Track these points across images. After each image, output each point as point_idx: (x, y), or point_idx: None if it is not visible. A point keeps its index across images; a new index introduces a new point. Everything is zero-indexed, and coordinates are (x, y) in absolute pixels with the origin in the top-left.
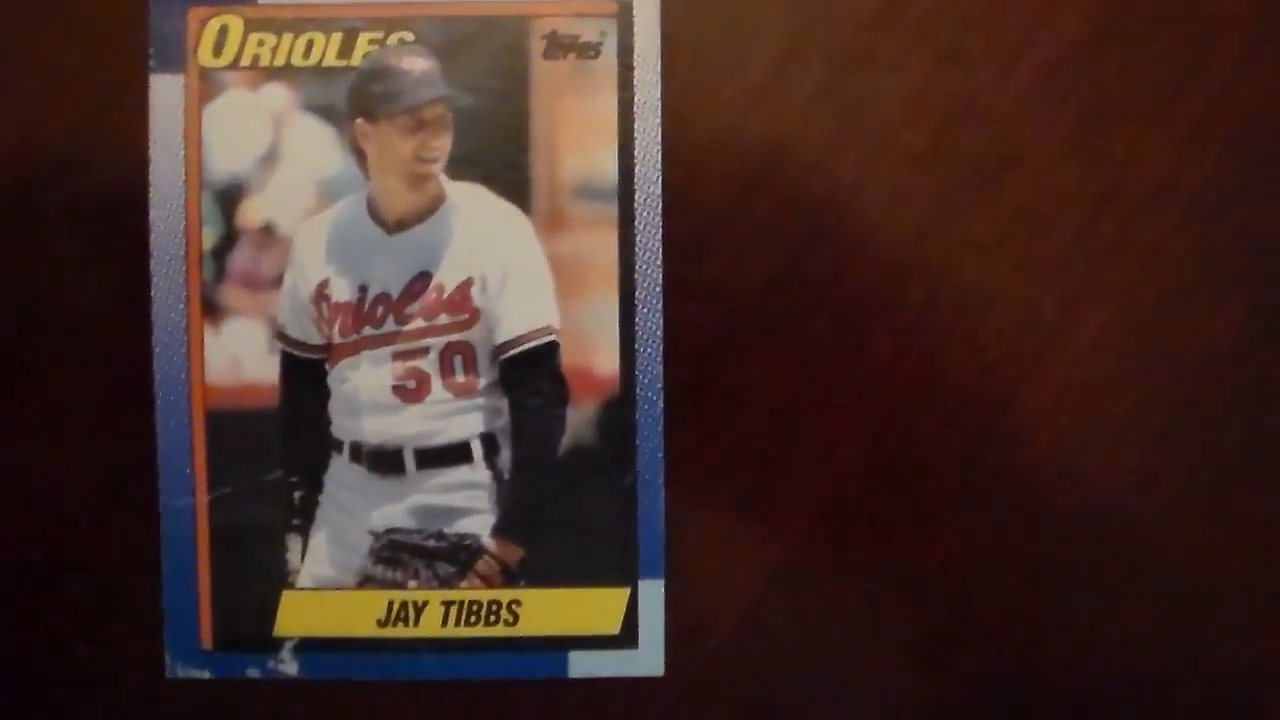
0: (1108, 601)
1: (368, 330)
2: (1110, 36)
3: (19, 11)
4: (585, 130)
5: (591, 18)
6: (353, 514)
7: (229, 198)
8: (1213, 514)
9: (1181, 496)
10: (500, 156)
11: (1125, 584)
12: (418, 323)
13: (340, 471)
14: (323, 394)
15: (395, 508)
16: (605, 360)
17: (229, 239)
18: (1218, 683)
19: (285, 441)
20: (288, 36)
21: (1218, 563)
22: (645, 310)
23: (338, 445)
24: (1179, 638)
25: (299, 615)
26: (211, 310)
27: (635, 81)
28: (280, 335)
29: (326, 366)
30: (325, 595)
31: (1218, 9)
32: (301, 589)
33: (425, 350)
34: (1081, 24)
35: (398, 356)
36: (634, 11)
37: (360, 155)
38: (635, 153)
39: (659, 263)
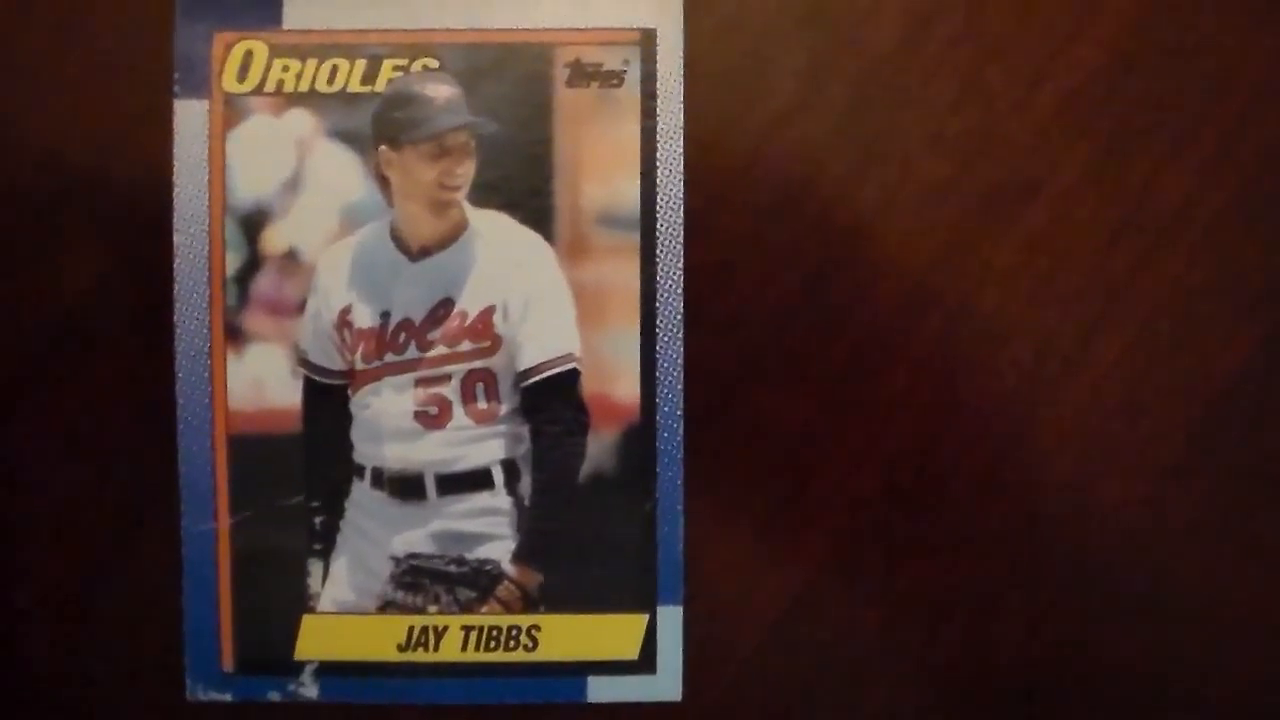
0: (1122, 626)
1: (390, 356)
2: (1128, 69)
3: (45, 36)
4: (608, 158)
5: (615, 46)
6: (374, 539)
7: (253, 223)
8: (1227, 541)
9: (1196, 523)
10: (523, 184)
11: (1140, 609)
12: (440, 349)
13: (362, 497)
14: (345, 420)
15: (416, 533)
16: (626, 387)
17: (252, 264)
18: (1232, 707)
19: (307, 466)
20: (312, 62)
21: (1232, 589)
22: (666, 338)
23: (359, 471)
24: (1194, 663)
25: (319, 639)
26: (234, 335)
27: (658, 110)
28: (303, 361)
29: (349, 392)
30: (346, 619)
31: (1234, 42)
32: (322, 613)
33: (447, 377)
34: (1100, 56)
35: (420, 383)
36: (657, 40)
37: (384, 182)
38: (657, 181)
39: (680, 290)
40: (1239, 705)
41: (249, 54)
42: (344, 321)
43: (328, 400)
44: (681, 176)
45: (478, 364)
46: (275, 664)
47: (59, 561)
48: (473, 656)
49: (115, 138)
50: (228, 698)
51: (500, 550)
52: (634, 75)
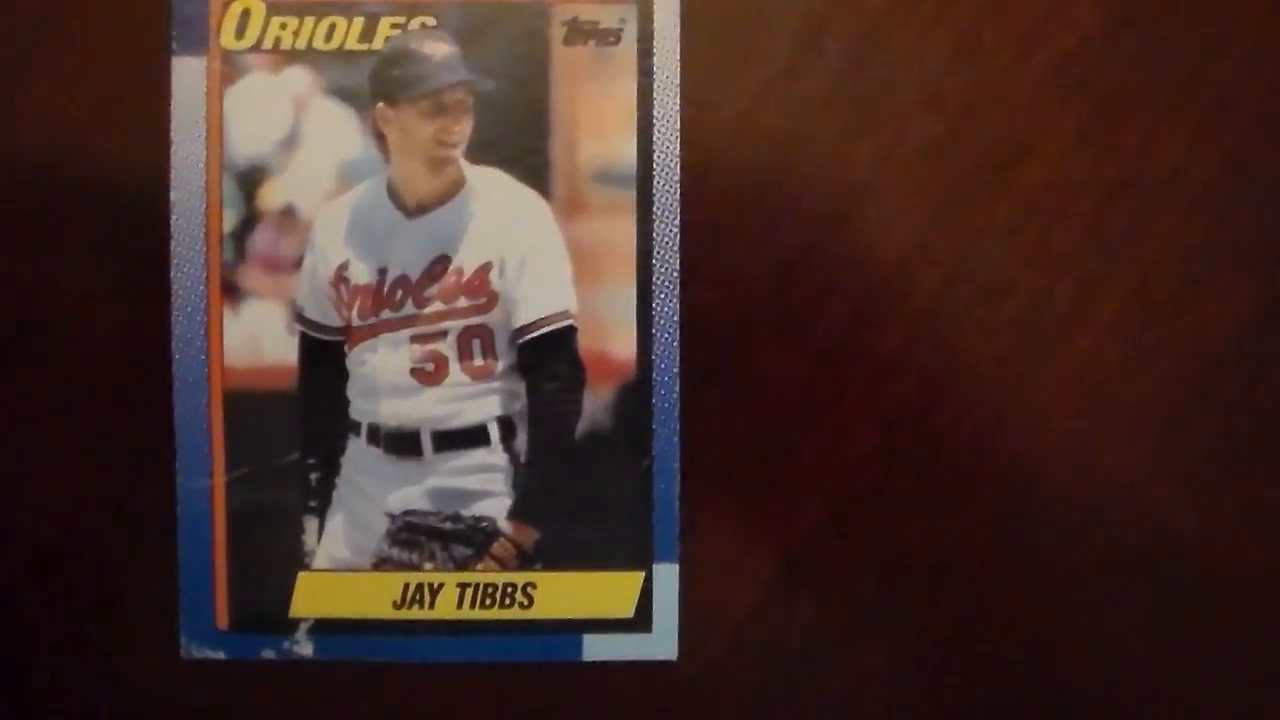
0: (1120, 587)
1: (386, 313)
2: (1123, 27)
3: None
4: (605, 116)
5: (612, 4)
6: (369, 496)
7: (250, 180)
8: (1225, 500)
9: (1194, 480)
10: (520, 141)
11: (1138, 570)
12: (436, 306)
13: (357, 453)
14: (341, 376)
15: (412, 490)
16: (622, 345)
17: (249, 221)
18: (1230, 668)
19: (303, 423)
20: (310, 20)
21: (1230, 549)
22: (662, 295)
23: (355, 427)
24: (1191, 623)
25: (315, 596)
26: (231, 292)
27: (654, 68)
28: (299, 317)
29: (345, 349)
30: (341, 577)
31: (1228, 1)
32: (318, 570)
33: (443, 333)
34: (1095, 15)
35: (416, 339)
36: None
37: (381, 139)
38: (654, 139)
39: (676, 248)
40: (1239, 662)
41: (246, 11)
42: (340, 278)
43: (324, 357)
44: (678, 134)
45: (474, 320)
46: (270, 621)
47: (54, 518)
48: (468, 614)
49: (113, 94)
50: (222, 655)
51: (496, 507)
52: (631, 33)
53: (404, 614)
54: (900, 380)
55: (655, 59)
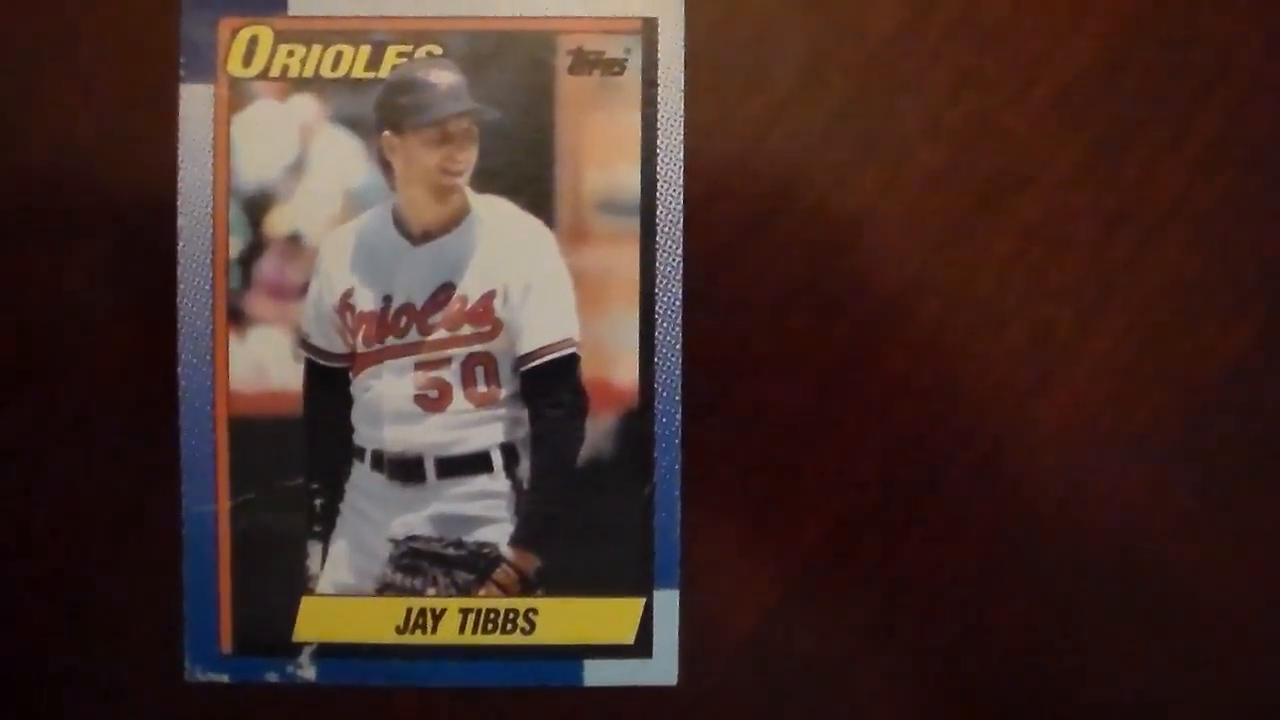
0: (1117, 616)
1: (391, 340)
2: (1124, 59)
3: (52, 20)
4: (609, 145)
5: (617, 35)
6: (373, 521)
7: (256, 207)
8: (1222, 531)
9: (1192, 512)
10: (524, 170)
11: (1135, 599)
12: (440, 333)
13: (361, 479)
14: (345, 402)
15: (415, 516)
16: (625, 372)
17: (256, 248)
18: (1225, 697)
19: (308, 449)
20: (317, 48)
21: (1227, 579)
22: (665, 323)
23: (360, 453)
24: (1187, 653)
25: (318, 621)
26: (237, 318)
27: (659, 98)
28: (304, 344)
29: (350, 375)
30: (344, 601)
31: (1229, 33)
32: (321, 595)
33: (447, 360)
34: (1096, 47)
35: (420, 366)
36: (658, 29)
37: (387, 167)
38: (658, 168)
39: (679, 276)
40: (1237, 693)
41: (254, 39)
42: (346, 305)
43: (329, 383)
44: (681, 164)
45: (478, 348)
46: (274, 645)
47: (61, 542)
48: (470, 639)
49: (122, 121)
50: (226, 678)
51: (498, 533)
52: (635, 63)
53: (407, 639)
54: (900, 408)
55: (659, 89)
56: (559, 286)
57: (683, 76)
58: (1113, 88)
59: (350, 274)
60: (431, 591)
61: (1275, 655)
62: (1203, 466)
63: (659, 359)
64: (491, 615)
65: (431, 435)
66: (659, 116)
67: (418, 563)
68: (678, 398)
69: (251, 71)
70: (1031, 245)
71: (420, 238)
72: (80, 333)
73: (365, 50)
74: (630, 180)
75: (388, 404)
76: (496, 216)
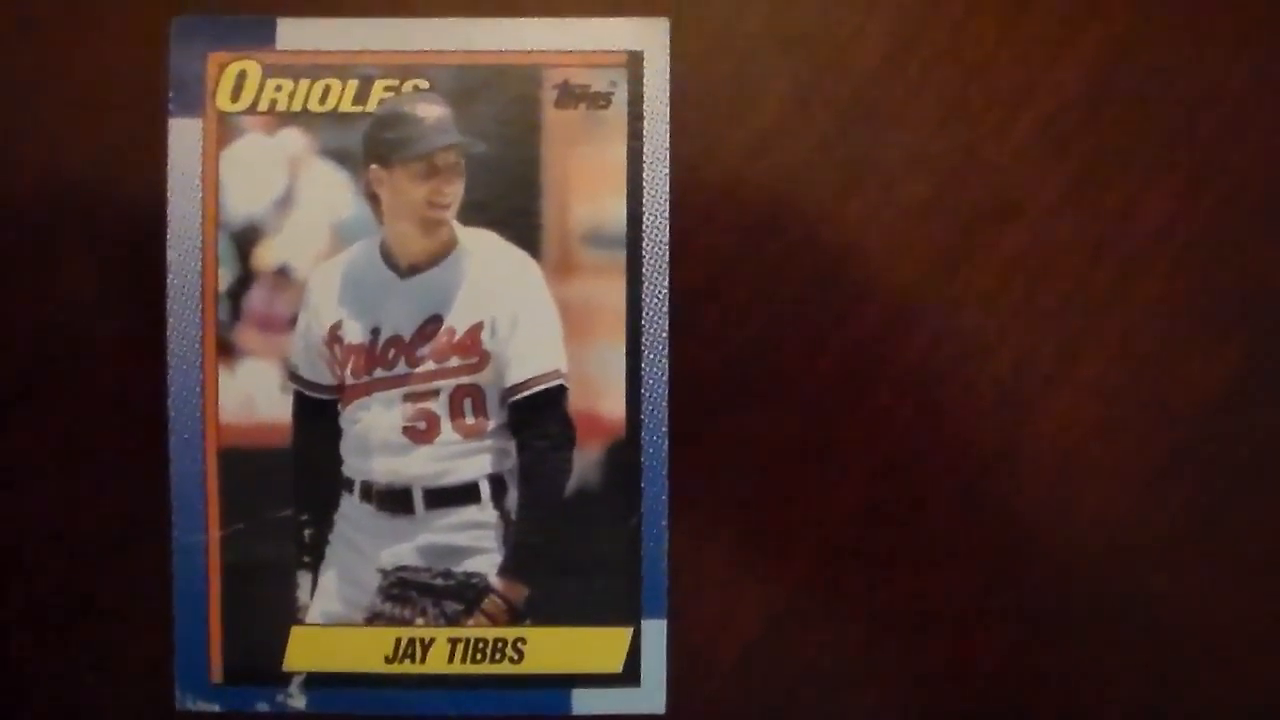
0: (1101, 642)
1: (379, 372)
2: (1108, 90)
3: (41, 54)
4: (595, 178)
5: (602, 68)
6: (362, 552)
7: (245, 240)
8: (1205, 558)
9: (1176, 539)
10: (511, 203)
11: (1120, 627)
12: (428, 365)
13: (350, 510)
14: (334, 434)
15: (404, 546)
16: (612, 404)
17: (244, 280)
18: (1217, 717)
19: (297, 480)
20: (304, 82)
21: (1210, 606)
22: (651, 355)
23: (348, 484)
24: (1173, 680)
25: (308, 650)
26: (226, 350)
27: (644, 131)
28: (293, 376)
29: (339, 407)
30: (334, 631)
31: (1212, 65)
32: (311, 624)
33: (435, 392)
34: (1080, 79)
35: (408, 398)
36: (644, 63)
37: (374, 200)
38: (644, 200)
39: (665, 309)
40: (1219, 714)
41: (242, 74)
42: (334, 337)
43: (318, 415)
44: (668, 197)
45: (466, 380)
46: (264, 675)
47: (50, 572)
48: (459, 668)
49: (110, 155)
50: (216, 708)
51: (486, 564)
52: (621, 97)
53: (396, 668)
54: (886, 437)
55: (645, 122)
56: (546, 318)
57: (668, 109)
58: (1096, 119)
59: (339, 307)
60: (420, 621)
61: (1260, 681)
62: (1188, 494)
63: (645, 390)
64: (480, 645)
65: (420, 466)
66: (645, 149)
67: (406, 593)
68: (664, 428)
69: (240, 106)
70: (1016, 275)
71: (408, 271)
72: (70, 365)
73: (353, 84)
74: (616, 212)
75: (376, 435)
76: (483, 249)
